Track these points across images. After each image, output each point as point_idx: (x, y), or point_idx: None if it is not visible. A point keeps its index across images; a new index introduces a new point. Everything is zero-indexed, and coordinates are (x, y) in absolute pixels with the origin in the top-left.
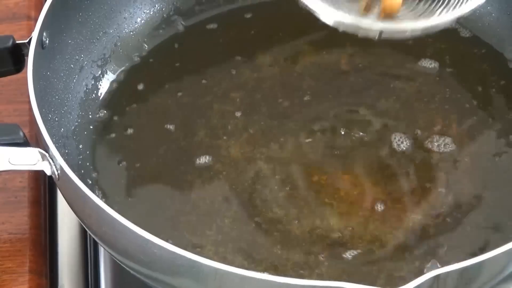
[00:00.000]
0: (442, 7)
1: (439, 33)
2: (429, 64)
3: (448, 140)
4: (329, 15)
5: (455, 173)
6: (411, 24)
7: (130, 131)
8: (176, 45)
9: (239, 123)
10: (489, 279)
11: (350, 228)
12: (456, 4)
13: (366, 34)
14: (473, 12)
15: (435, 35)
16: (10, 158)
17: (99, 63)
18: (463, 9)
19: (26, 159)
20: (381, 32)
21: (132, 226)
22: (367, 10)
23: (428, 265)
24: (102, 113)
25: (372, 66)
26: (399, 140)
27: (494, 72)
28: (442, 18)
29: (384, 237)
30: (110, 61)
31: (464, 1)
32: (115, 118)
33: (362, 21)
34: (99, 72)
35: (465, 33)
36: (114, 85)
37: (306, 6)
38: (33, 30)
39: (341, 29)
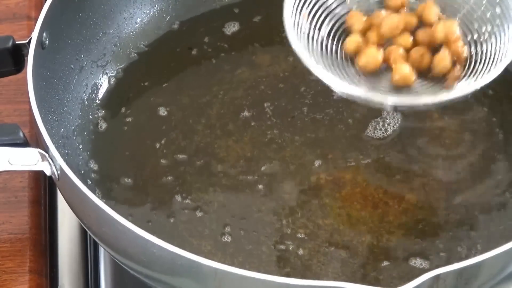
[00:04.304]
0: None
1: None
2: None
3: (449, 140)
4: (341, 88)
5: (456, 172)
6: (426, 99)
7: (130, 131)
8: (175, 45)
9: (239, 123)
10: (489, 279)
11: (350, 228)
12: (473, 78)
13: (379, 106)
14: None
15: None
16: (10, 158)
17: (99, 63)
18: (479, 83)
19: (26, 159)
20: (395, 106)
21: (132, 226)
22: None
23: (428, 264)
24: (102, 113)
25: None
26: (401, 138)
27: None
28: (456, 93)
29: (384, 237)
30: (110, 61)
31: (480, 76)
32: (115, 118)
33: (374, 96)
34: (99, 72)
35: None
36: (114, 85)
37: (319, 78)
38: (33, 30)
39: (355, 100)
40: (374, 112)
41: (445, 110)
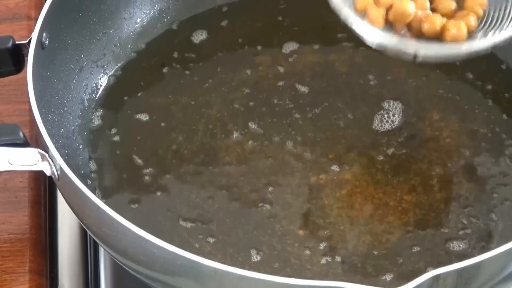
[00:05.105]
0: (483, 32)
1: None
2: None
3: (447, 136)
4: (373, 36)
5: (454, 170)
6: (452, 48)
7: (129, 131)
8: (175, 45)
9: (239, 123)
10: (489, 279)
11: (350, 228)
12: (497, 30)
13: (405, 56)
14: None
15: None
16: (10, 158)
17: (99, 63)
18: (503, 35)
19: (26, 159)
20: (416, 56)
21: (132, 226)
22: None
23: (428, 265)
24: (102, 113)
25: (372, 66)
26: (401, 136)
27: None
28: (478, 44)
29: (384, 237)
30: (110, 61)
31: (505, 27)
32: (115, 118)
33: (405, 43)
34: (99, 72)
35: None
36: (114, 85)
37: (349, 26)
38: (33, 30)
39: (383, 50)
40: (375, 106)
41: (445, 110)
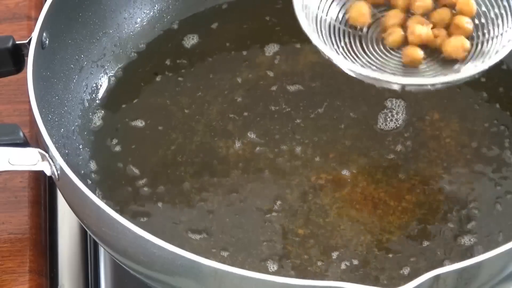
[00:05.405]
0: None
1: None
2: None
3: (447, 136)
4: (347, 67)
5: (454, 169)
6: (431, 80)
7: (129, 131)
8: (175, 46)
9: (239, 123)
10: (489, 279)
11: (350, 228)
12: (478, 59)
13: (387, 86)
14: None
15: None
16: (10, 158)
17: (99, 63)
18: (485, 65)
19: (26, 159)
20: (403, 86)
21: (132, 226)
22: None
23: (428, 264)
24: (102, 113)
25: None
26: (402, 135)
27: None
28: (462, 73)
29: (384, 237)
30: (110, 61)
31: (487, 57)
32: (115, 118)
33: (381, 76)
34: (99, 72)
35: None
36: (114, 85)
37: (326, 55)
38: (33, 30)
39: (361, 78)
40: (377, 105)
41: (445, 110)
